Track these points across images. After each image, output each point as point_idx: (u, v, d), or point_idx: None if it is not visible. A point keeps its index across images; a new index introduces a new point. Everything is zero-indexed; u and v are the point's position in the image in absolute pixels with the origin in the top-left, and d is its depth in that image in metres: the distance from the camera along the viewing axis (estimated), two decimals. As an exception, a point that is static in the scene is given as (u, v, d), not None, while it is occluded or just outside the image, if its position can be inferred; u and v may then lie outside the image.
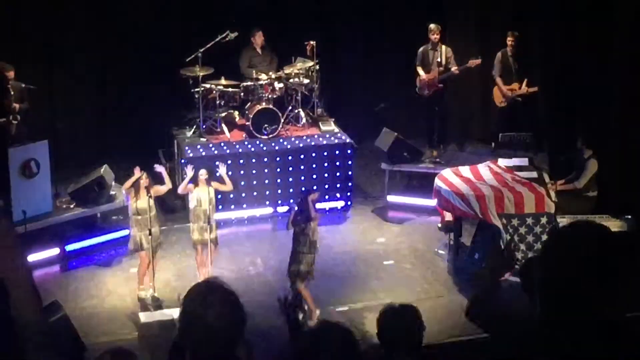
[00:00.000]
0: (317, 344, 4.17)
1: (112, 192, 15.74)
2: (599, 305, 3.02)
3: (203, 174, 13.60)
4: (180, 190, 13.95)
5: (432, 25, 17.08)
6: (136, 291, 13.59)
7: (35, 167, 14.84)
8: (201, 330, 3.97)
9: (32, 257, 13.97)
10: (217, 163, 14.76)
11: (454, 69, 16.93)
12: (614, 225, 13.29)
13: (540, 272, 3.17)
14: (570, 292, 3.04)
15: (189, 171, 13.85)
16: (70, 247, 14.99)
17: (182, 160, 15.93)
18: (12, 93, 15.26)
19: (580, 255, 3.09)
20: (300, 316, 12.64)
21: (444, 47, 17.11)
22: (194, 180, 13.67)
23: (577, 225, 3.28)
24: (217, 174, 14.17)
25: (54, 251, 14.78)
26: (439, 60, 17.04)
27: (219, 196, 14.30)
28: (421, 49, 17.24)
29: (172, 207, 16.20)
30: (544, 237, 13.10)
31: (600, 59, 14.96)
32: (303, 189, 14.80)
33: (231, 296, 4.06)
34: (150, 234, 13.23)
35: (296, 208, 12.95)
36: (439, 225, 14.95)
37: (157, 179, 13.92)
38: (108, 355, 6.58)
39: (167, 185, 13.83)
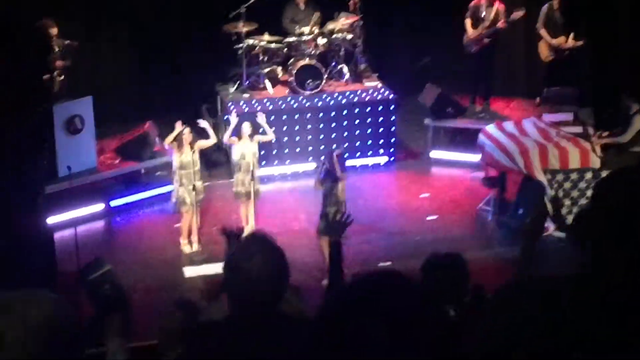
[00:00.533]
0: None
1: (155, 148, 15.81)
2: None
3: (246, 127, 13.64)
4: (225, 139, 14.01)
5: None
6: (180, 246, 13.68)
7: (79, 124, 14.92)
8: (244, 282, 3.97)
9: (78, 213, 14.08)
10: (257, 113, 14.73)
11: (499, 23, 16.74)
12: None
13: (591, 222, 3.13)
14: (623, 240, 3.00)
15: (233, 119, 13.91)
16: (114, 203, 15.09)
17: (225, 117, 15.96)
18: (56, 50, 15.32)
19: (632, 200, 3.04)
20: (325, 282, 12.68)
21: (497, 2, 16.86)
22: (238, 134, 13.70)
23: (624, 171, 3.23)
24: (258, 122, 14.14)
25: (99, 207, 14.88)
26: (489, 16, 16.83)
27: (262, 152, 14.30)
28: (473, 2, 17.02)
29: (216, 162, 16.24)
30: (589, 193, 12.99)
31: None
32: (334, 146, 14.72)
33: (275, 249, 4.07)
34: (193, 189, 13.28)
35: (323, 167, 12.88)
36: (483, 180, 14.87)
37: (201, 135, 13.96)
38: (174, 306, 6.66)
39: (212, 140, 13.86)
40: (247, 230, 13.67)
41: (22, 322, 2.76)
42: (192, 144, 13.35)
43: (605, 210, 3.08)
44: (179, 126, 13.48)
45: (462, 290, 6.15)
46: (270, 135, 14.19)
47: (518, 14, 16.67)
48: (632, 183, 3.11)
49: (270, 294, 4.02)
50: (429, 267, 6.25)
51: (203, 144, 13.72)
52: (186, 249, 13.62)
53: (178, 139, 13.37)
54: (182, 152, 13.31)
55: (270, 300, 4.03)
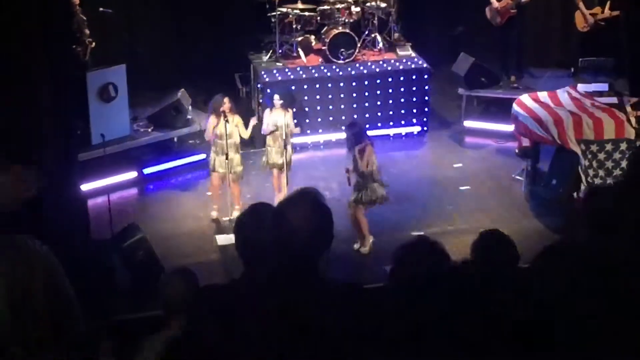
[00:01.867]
0: (412, 256, 4.16)
1: (188, 116, 15.83)
2: None
3: (277, 98, 13.63)
4: (263, 131, 13.85)
5: None
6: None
7: (113, 91, 14.97)
8: (288, 233, 3.98)
9: (111, 180, 14.15)
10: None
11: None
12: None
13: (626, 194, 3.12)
14: None
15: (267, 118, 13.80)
16: (147, 171, 15.15)
17: (259, 85, 15.96)
18: (84, 18, 15.28)
19: None
20: (356, 246, 12.69)
21: None
22: (270, 105, 13.69)
23: None
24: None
25: (132, 174, 14.95)
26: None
27: (295, 120, 14.29)
28: None
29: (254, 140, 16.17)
30: (624, 164, 12.90)
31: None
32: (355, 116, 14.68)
33: (323, 205, 4.09)
34: (226, 158, 13.28)
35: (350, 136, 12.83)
36: (517, 150, 14.78)
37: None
38: (171, 274, 6.75)
39: (245, 135, 13.74)
40: (279, 200, 13.75)
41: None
42: (228, 115, 13.29)
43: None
44: (253, 121, 13.70)
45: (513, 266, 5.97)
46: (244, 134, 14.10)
47: None
48: None
49: (311, 248, 4.03)
50: (484, 242, 6.07)
51: (239, 129, 13.58)
52: (214, 214, 13.68)
53: (216, 109, 13.35)
54: (218, 122, 13.29)
55: (310, 255, 4.04)
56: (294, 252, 4.00)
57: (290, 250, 4.00)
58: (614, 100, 14.35)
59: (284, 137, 13.42)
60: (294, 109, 14.65)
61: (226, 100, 13.37)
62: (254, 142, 15.06)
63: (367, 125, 15.60)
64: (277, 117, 13.53)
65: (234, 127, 13.37)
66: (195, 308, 4.22)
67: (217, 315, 4.00)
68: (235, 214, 13.50)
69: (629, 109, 13.91)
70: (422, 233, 13.15)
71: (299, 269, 4.00)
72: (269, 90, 15.17)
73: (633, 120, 13.52)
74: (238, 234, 4.63)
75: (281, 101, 13.61)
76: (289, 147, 13.57)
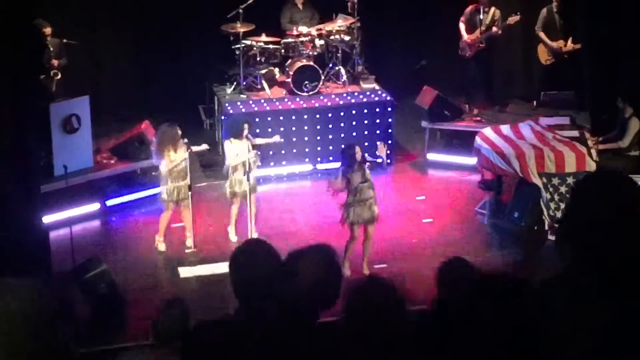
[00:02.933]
0: (364, 300, 4.18)
1: (152, 148, 15.79)
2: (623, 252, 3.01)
3: (246, 127, 13.63)
4: (228, 164, 13.89)
5: None
6: (179, 245, 13.75)
7: (76, 122, 14.91)
8: (297, 286, 4.03)
9: (73, 212, 14.05)
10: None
11: (494, 29, 16.80)
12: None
13: (569, 222, 3.18)
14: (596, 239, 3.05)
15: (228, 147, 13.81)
16: (110, 202, 15.09)
17: (223, 117, 15.97)
18: (52, 49, 15.33)
19: (606, 203, 3.09)
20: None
21: (493, 8, 16.93)
22: (235, 134, 13.64)
23: (604, 174, 3.29)
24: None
25: (95, 206, 14.88)
26: (485, 21, 16.86)
27: (258, 152, 14.30)
28: (470, 7, 17.07)
29: (213, 162, 16.17)
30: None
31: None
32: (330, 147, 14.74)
33: (333, 262, 4.12)
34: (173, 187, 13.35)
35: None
36: (479, 183, 14.88)
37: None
38: (164, 303, 6.81)
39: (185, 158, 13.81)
40: (232, 231, 13.76)
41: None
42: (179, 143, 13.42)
43: (582, 212, 3.12)
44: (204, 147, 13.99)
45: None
46: (272, 139, 14.27)
47: (514, 19, 16.73)
48: (608, 186, 3.15)
49: (316, 302, 4.06)
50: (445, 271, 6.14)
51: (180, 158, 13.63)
52: (161, 247, 13.73)
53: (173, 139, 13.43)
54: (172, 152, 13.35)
55: (313, 308, 4.07)
56: (299, 305, 4.02)
57: (295, 303, 4.02)
58: (575, 133, 14.50)
59: (247, 167, 13.41)
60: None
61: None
62: (215, 174, 15.07)
63: (331, 158, 15.69)
64: (240, 147, 13.52)
65: (178, 156, 13.39)
66: (190, 344, 4.20)
67: (213, 352, 3.99)
68: (190, 242, 13.53)
69: (591, 142, 14.05)
70: (385, 265, 13.18)
71: (300, 320, 4.01)
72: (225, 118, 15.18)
73: (594, 153, 13.66)
74: (233, 273, 4.65)
75: (246, 130, 13.60)
76: (252, 178, 13.52)
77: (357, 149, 12.69)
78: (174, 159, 13.27)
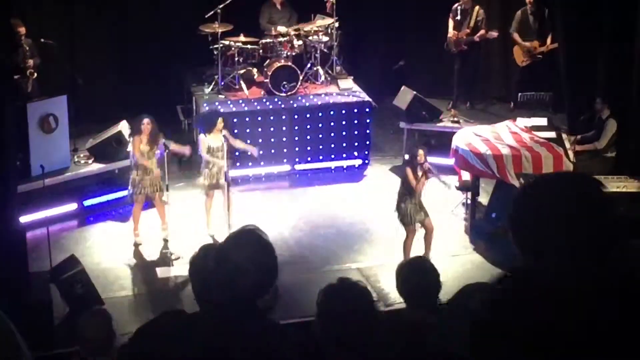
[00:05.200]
0: (334, 302, 4.20)
1: (129, 149, 15.75)
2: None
3: (219, 122, 13.65)
4: (201, 155, 13.94)
5: None
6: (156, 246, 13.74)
7: (53, 122, 14.87)
8: (231, 272, 3.96)
9: (50, 212, 13.99)
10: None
11: (476, 36, 16.86)
12: (632, 185, 13.24)
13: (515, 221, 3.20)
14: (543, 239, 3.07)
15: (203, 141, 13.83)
16: (88, 202, 15.06)
17: (200, 117, 15.96)
18: (26, 49, 15.24)
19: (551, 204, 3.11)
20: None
21: (477, 8, 16.99)
22: (209, 129, 13.67)
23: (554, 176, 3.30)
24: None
25: (72, 206, 14.84)
26: (470, 22, 16.93)
27: (236, 153, 14.31)
28: (456, 5, 17.11)
29: (191, 162, 16.12)
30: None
31: (622, 17, 14.75)
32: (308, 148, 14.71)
33: (265, 242, 4.07)
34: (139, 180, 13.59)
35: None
36: (456, 184, 14.90)
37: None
38: (88, 314, 6.89)
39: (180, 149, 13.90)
40: (210, 224, 13.79)
41: None
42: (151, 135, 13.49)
43: (526, 217, 3.13)
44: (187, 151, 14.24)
45: (434, 295, 6.18)
46: (250, 148, 14.32)
47: (492, 35, 16.85)
48: (551, 190, 3.16)
49: (255, 288, 4.02)
50: (403, 272, 6.28)
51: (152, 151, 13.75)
52: (138, 239, 13.85)
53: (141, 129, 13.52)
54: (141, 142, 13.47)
55: (253, 295, 4.03)
56: (236, 292, 3.98)
57: (232, 291, 3.99)
58: (552, 134, 14.55)
59: (221, 161, 13.45)
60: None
61: (146, 121, 13.55)
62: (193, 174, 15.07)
63: (309, 158, 15.69)
64: (212, 140, 13.55)
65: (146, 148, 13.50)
66: (149, 327, 4.20)
67: (162, 341, 3.99)
68: (164, 233, 13.57)
69: (567, 142, 14.10)
70: (363, 266, 13.21)
71: (239, 311, 3.99)
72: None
73: (571, 154, 13.71)
74: (191, 276, 4.71)
75: (222, 125, 13.62)
76: (225, 169, 13.52)
77: (421, 152, 12.95)
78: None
